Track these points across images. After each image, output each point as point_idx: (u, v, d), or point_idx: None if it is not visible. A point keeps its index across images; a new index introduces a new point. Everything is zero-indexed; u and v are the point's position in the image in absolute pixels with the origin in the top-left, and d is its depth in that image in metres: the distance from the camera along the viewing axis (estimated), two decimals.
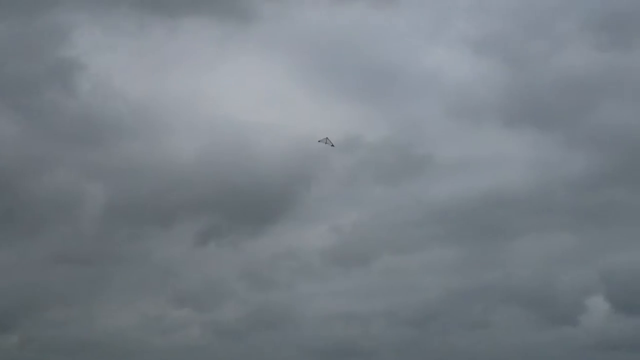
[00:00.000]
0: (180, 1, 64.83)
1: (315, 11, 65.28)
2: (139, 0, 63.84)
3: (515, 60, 64.34)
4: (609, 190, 76.96)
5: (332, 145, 38.61)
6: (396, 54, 72.25)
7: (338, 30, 70.34)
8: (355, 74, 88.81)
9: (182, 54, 69.63)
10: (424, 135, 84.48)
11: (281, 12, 63.82)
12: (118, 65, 79.05)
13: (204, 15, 66.43)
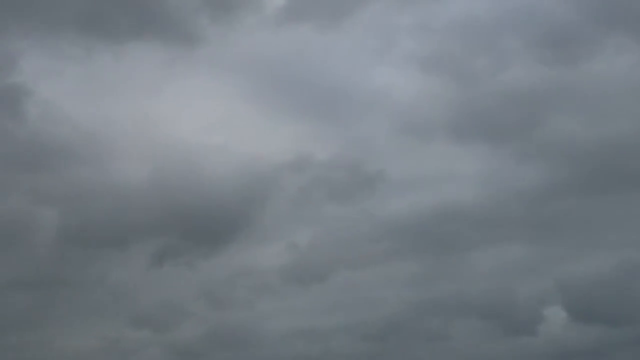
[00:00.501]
0: (125, 27, 65.86)
1: (261, 33, 66.64)
2: (85, 26, 64.88)
3: (462, 77, 65.75)
4: (561, 201, 78.78)
5: None
6: (344, 72, 73.65)
7: (284, 51, 71.70)
8: (303, 93, 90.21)
9: (129, 78, 70.38)
10: (374, 152, 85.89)
11: (227, 34, 65.05)
12: (65, 91, 79.56)
13: (150, 40, 67.60)
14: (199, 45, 79.11)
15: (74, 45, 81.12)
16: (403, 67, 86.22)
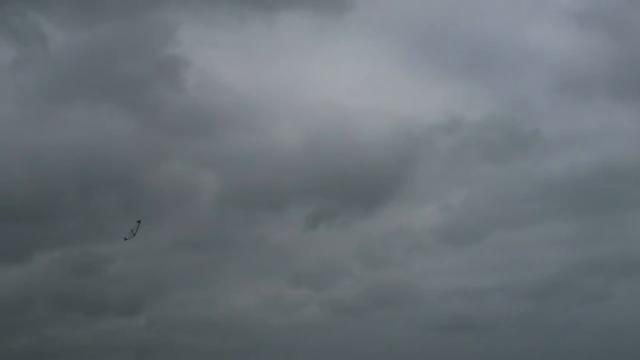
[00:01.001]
0: None
1: None
2: None
3: (620, 32, 63.03)
4: None
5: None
6: (497, 30, 71.83)
7: (434, 12, 70.64)
8: (456, 53, 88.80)
9: (281, 45, 71.48)
10: (529, 112, 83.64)
11: None
12: (221, 60, 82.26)
13: (300, 8, 68.63)
14: (347, 11, 79.28)
15: (228, 15, 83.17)
16: (559, 24, 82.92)
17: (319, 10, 74.59)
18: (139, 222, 38.40)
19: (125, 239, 37.21)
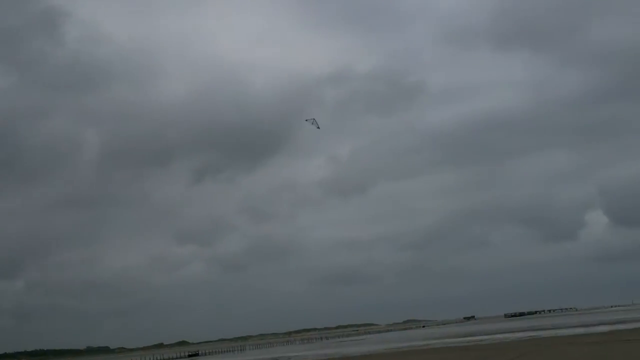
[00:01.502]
0: None
1: None
2: None
3: None
4: (605, 107, 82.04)
5: (318, 128, 40.34)
6: None
7: None
8: (344, 6, 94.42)
9: None
10: (415, 63, 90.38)
11: None
12: (104, 11, 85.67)
13: None
14: None
15: None
16: None
17: None
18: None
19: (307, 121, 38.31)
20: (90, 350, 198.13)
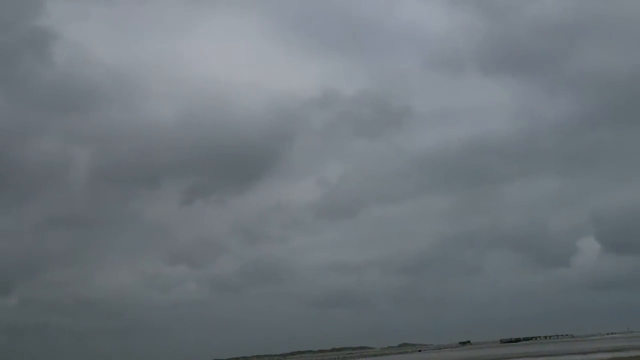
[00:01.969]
0: None
1: None
2: None
3: (491, 10, 67.75)
4: (594, 132, 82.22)
5: None
6: (371, 7, 76.61)
7: None
8: (331, 29, 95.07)
9: (154, 19, 74.36)
10: (402, 87, 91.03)
11: None
12: (93, 33, 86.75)
13: None
14: None
15: None
16: (430, 0, 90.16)
17: None
18: None
19: None
20: None
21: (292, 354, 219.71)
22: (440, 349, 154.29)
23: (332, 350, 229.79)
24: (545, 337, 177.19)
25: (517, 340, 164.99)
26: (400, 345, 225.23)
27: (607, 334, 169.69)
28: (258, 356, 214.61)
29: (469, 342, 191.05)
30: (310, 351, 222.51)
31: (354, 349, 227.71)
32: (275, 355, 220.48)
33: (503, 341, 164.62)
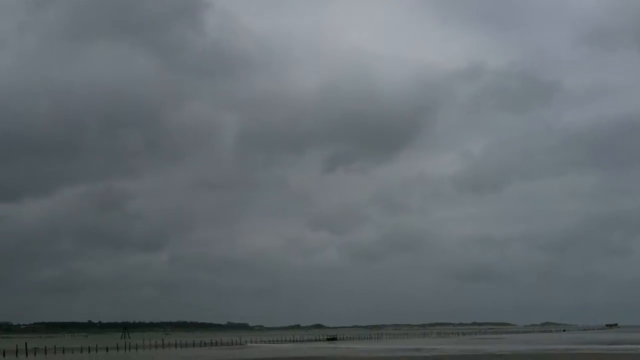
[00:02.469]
0: None
1: None
2: None
3: None
4: None
5: None
6: None
7: None
8: (479, 2, 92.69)
9: None
10: (552, 62, 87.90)
11: None
12: (241, 3, 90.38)
13: None
14: None
15: None
16: None
17: None
18: None
19: None
20: (230, 326, 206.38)
21: (432, 325, 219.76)
22: (585, 330, 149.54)
23: (473, 324, 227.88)
24: None
25: None
26: (543, 324, 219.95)
27: None
28: (396, 325, 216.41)
29: (616, 324, 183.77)
30: (450, 323, 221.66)
31: (495, 324, 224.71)
32: (415, 325, 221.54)
33: None
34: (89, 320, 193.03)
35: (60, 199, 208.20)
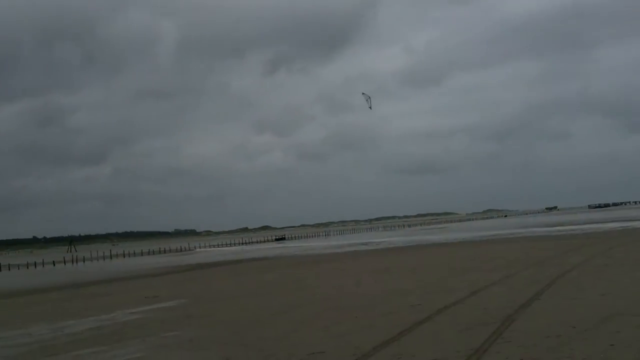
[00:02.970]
0: None
1: None
2: None
3: None
4: None
5: (370, 108, 36.83)
6: None
7: None
8: None
9: None
10: None
11: None
12: None
13: None
14: None
15: None
16: None
17: None
18: None
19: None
20: (178, 233, 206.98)
21: (378, 219, 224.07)
22: (526, 214, 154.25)
23: (417, 215, 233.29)
24: (635, 202, 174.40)
25: (606, 205, 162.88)
26: (485, 211, 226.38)
27: None
28: (343, 222, 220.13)
29: (555, 207, 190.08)
30: (395, 217, 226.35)
31: (438, 214, 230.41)
32: (362, 220, 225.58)
33: (591, 207, 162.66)
34: (34, 237, 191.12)
35: None
